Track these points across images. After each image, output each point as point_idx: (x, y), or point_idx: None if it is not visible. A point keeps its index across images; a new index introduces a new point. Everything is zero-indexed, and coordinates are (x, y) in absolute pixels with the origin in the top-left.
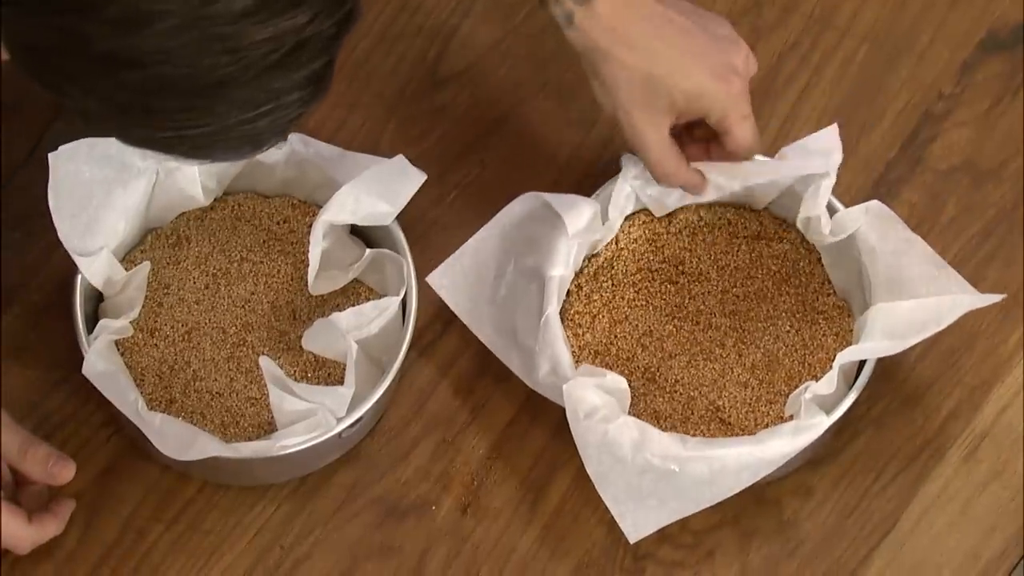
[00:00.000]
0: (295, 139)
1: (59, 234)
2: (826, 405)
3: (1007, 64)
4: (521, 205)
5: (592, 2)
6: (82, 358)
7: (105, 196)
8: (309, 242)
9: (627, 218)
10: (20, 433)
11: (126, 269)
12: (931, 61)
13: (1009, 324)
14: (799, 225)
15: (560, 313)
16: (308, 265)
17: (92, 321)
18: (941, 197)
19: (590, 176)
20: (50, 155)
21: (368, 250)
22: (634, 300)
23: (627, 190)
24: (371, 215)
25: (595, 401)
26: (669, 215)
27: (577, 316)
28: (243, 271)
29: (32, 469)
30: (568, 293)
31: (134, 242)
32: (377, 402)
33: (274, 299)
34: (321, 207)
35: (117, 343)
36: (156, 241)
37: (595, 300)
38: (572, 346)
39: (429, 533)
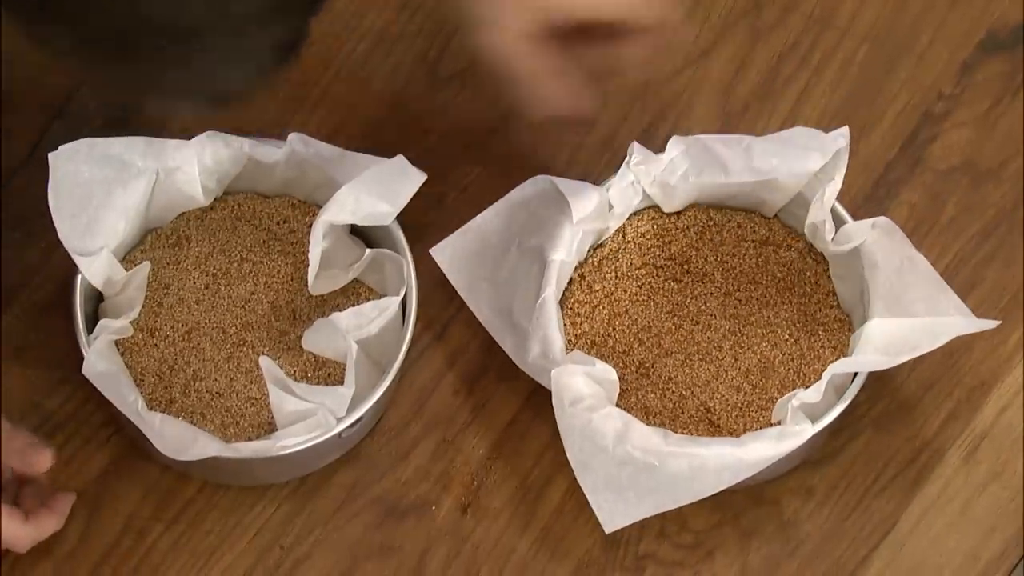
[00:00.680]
0: (295, 139)
1: (59, 234)
2: (814, 414)
3: (1007, 64)
4: (532, 187)
5: None
6: (82, 358)
7: (105, 196)
8: (309, 242)
9: (636, 213)
10: (23, 435)
11: (126, 269)
12: (931, 61)
13: (1009, 324)
14: (806, 231)
15: (560, 301)
16: (308, 265)
17: (92, 321)
18: (941, 197)
19: (590, 176)
20: (50, 155)
21: (368, 250)
22: (636, 294)
23: (630, 177)
24: (371, 215)
25: (582, 389)
26: (678, 212)
27: (577, 305)
28: (243, 271)
29: (10, 460)
30: (570, 281)
31: (134, 242)
32: (377, 402)
33: (274, 299)
34: (321, 207)
35: (117, 343)
36: (156, 241)
37: (596, 290)
38: (569, 334)
39: (429, 533)
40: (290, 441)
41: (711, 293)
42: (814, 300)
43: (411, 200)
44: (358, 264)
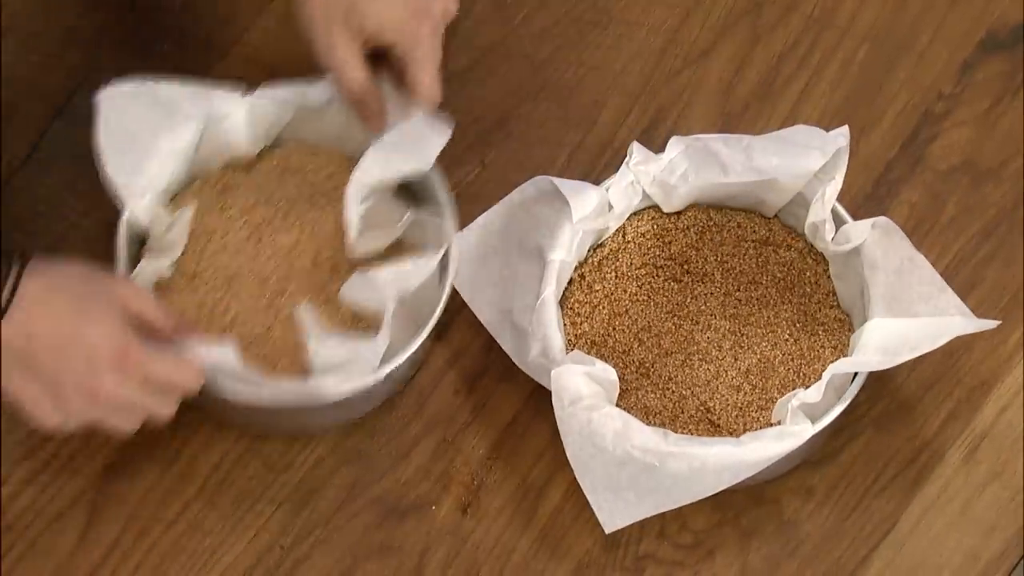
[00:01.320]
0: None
1: (106, 171)
2: (814, 414)
3: (1007, 64)
4: (533, 187)
5: None
6: None
7: (152, 139)
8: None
9: (636, 213)
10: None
11: (170, 213)
12: (931, 61)
13: (1009, 324)
14: (806, 231)
15: (560, 301)
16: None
17: (135, 266)
18: (941, 197)
19: (589, 177)
20: (99, 95)
21: (409, 211)
22: (636, 294)
23: (630, 176)
24: (401, 173)
25: (582, 389)
26: (678, 212)
27: (577, 305)
28: (287, 222)
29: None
30: (571, 281)
31: (179, 187)
32: (412, 356)
33: (316, 252)
34: None
35: (157, 287)
36: (202, 187)
37: (597, 290)
38: (569, 334)
39: (429, 533)
40: (327, 382)
41: (711, 293)
42: (814, 300)
43: None
44: (400, 224)
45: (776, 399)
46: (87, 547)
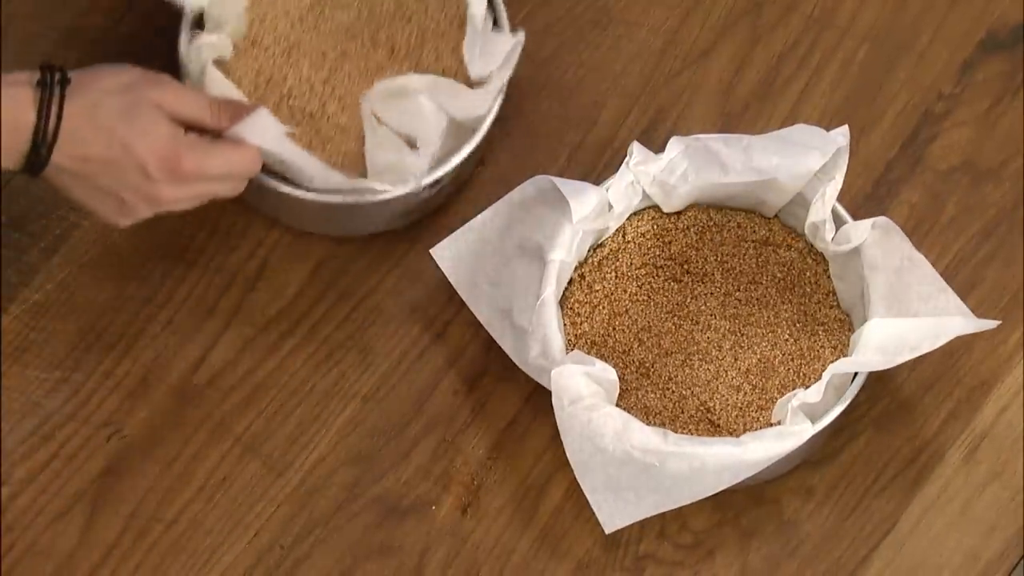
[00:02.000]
0: None
1: None
2: (814, 414)
3: (1007, 64)
4: (532, 187)
5: None
6: (82, 357)
7: None
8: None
9: (636, 213)
10: (200, 92)
11: None
12: (931, 61)
13: (1009, 324)
14: (806, 231)
15: (560, 301)
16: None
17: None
18: (941, 197)
19: (590, 176)
20: None
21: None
22: (636, 294)
23: (630, 176)
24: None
25: (582, 389)
26: (678, 212)
27: (577, 305)
28: None
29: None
30: (570, 281)
31: None
32: (461, 165)
33: (375, 31)
34: None
35: (217, 63)
36: None
37: (597, 290)
38: (569, 334)
39: (429, 533)
40: (377, 187)
41: (711, 293)
42: (814, 300)
43: None
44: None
45: (776, 399)
46: (87, 547)
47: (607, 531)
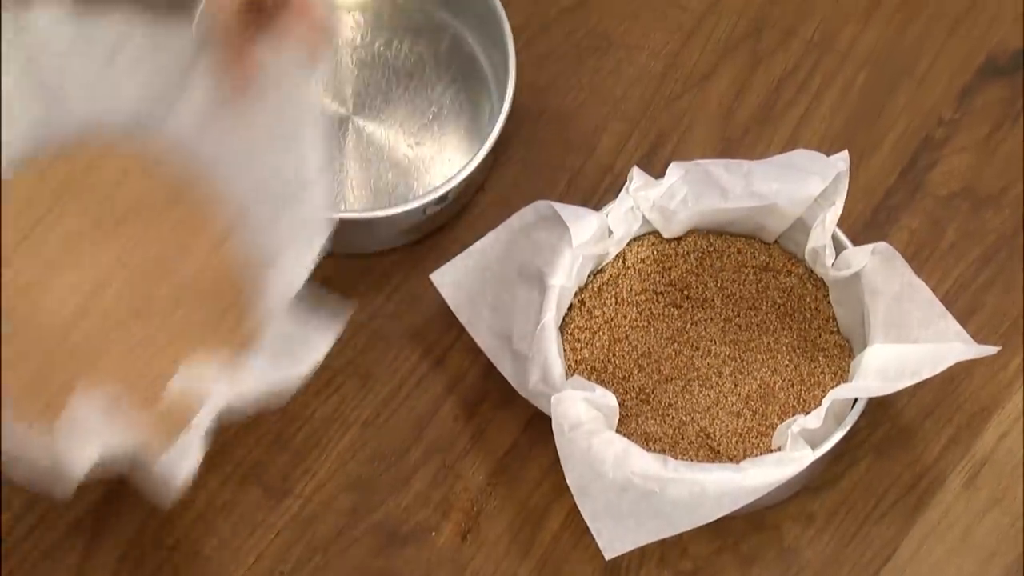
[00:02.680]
0: None
1: None
2: (814, 440)
3: (1007, 90)
4: (532, 212)
5: None
6: None
7: None
8: None
9: (636, 238)
10: None
11: None
12: (931, 87)
13: (1009, 350)
14: (807, 257)
15: (560, 327)
16: None
17: None
18: (941, 223)
19: (590, 202)
20: None
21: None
22: (636, 320)
23: (630, 202)
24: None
25: (582, 415)
26: (678, 238)
27: (577, 331)
28: None
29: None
30: (570, 307)
31: None
32: (469, 177)
33: None
34: None
35: None
36: None
37: (597, 316)
38: (569, 360)
39: (429, 559)
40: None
41: (711, 319)
42: (814, 326)
43: None
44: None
45: (776, 425)
46: (86, 574)
47: (607, 557)
